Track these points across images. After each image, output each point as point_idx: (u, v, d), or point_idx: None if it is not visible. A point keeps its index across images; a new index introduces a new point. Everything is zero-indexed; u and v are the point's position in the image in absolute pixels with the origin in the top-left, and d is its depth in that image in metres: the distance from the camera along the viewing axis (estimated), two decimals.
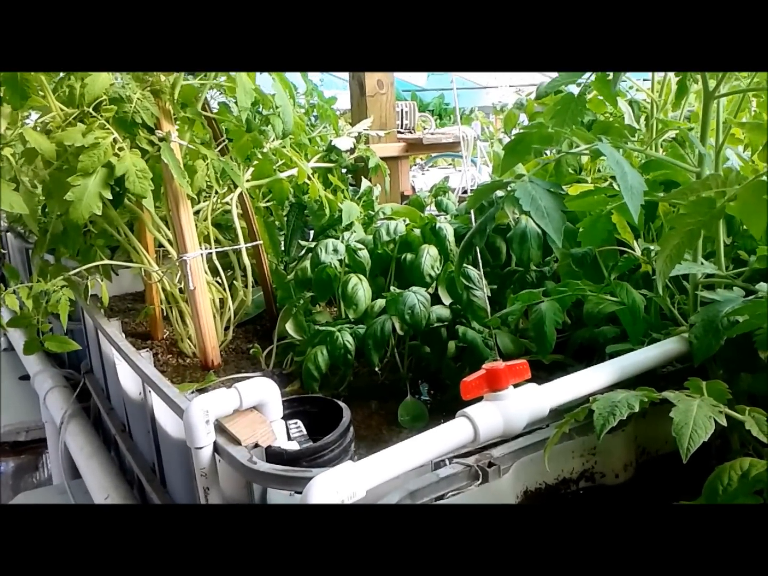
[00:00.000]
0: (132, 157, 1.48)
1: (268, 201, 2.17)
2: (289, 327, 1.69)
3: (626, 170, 0.87)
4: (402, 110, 3.38)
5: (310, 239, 2.28)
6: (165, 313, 2.05)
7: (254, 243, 1.92)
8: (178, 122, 1.71)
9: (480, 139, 3.40)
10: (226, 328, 1.96)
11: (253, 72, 1.55)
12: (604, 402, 0.79)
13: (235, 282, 1.95)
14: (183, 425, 1.11)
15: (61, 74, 1.61)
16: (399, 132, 3.27)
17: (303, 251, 2.24)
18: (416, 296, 1.45)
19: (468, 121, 3.85)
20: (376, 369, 1.60)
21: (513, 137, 1.07)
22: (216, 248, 1.88)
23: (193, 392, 1.52)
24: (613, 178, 1.45)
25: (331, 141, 2.16)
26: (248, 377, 1.25)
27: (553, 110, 1.20)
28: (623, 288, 1.21)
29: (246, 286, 1.93)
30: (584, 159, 1.71)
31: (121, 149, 1.47)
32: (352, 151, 2.24)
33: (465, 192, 2.82)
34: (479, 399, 0.98)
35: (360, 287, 1.57)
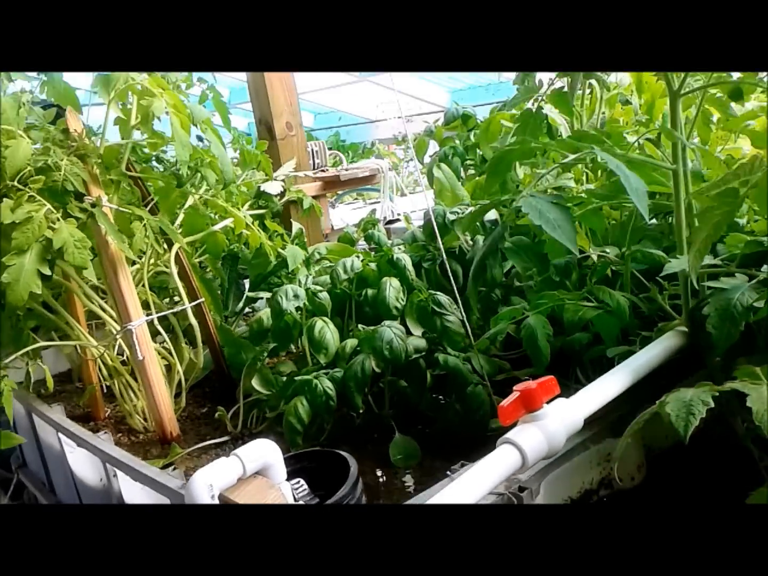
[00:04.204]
0: (68, 227, 1.37)
1: (200, 255, 2.08)
2: (256, 383, 1.61)
3: (627, 173, 0.88)
4: (312, 150, 3.37)
5: (245, 290, 2.21)
6: (104, 390, 1.91)
7: (197, 301, 1.82)
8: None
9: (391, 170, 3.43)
10: (177, 395, 1.84)
11: (188, 123, 1.48)
12: (677, 403, 0.78)
13: (181, 345, 1.85)
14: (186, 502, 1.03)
15: None
16: (313, 171, 3.26)
17: (242, 303, 2.16)
18: (392, 330, 1.42)
19: (370, 154, 3.88)
20: (359, 411, 1.54)
21: (492, 156, 1.07)
22: (156, 312, 1.77)
23: (173, 468, 1.41)
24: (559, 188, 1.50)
25: (259, 187, 2.10)
26: (217, 443, 1.17)
27: (512, 128, 1.21)
28: (605, 292, 1.22)
29: (195, 347, 1.83)
30: (521, 174, 1.73)
31: (56, 220, 1.36)
32: (281, 195, 2.19)
33: (388, 222, 2.82)
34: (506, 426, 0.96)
35: (327, 330, 1.52)
